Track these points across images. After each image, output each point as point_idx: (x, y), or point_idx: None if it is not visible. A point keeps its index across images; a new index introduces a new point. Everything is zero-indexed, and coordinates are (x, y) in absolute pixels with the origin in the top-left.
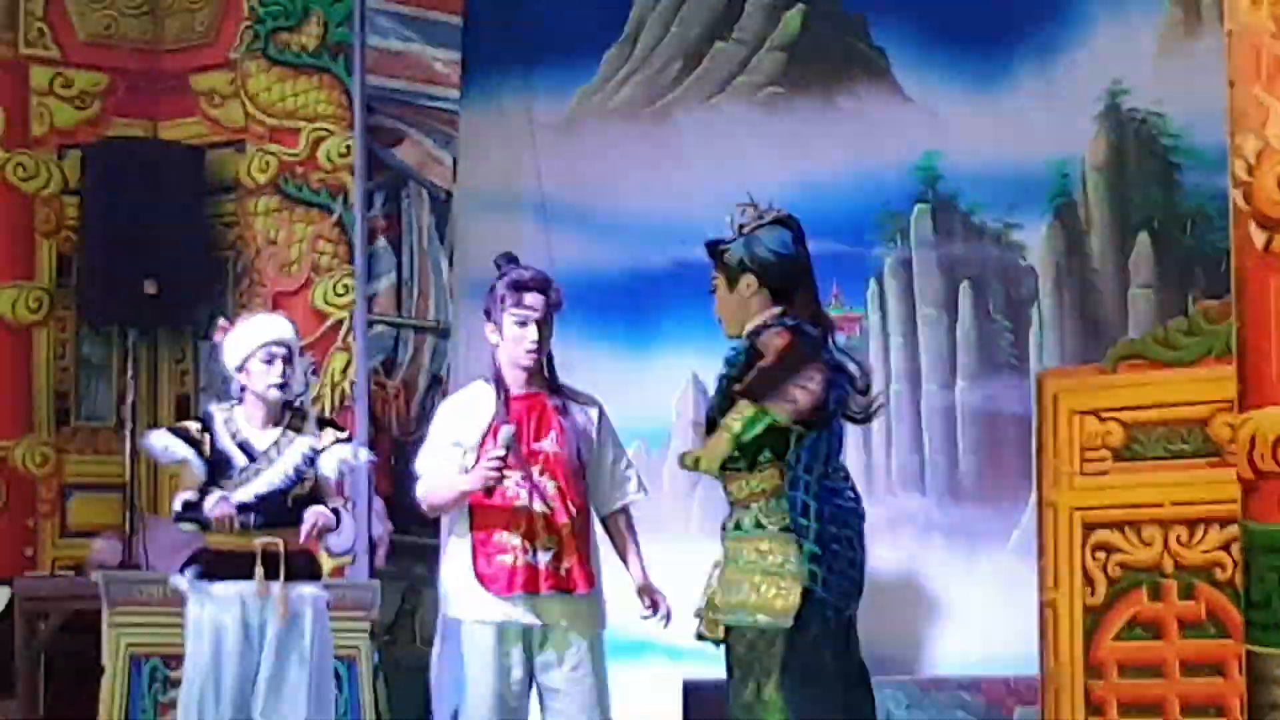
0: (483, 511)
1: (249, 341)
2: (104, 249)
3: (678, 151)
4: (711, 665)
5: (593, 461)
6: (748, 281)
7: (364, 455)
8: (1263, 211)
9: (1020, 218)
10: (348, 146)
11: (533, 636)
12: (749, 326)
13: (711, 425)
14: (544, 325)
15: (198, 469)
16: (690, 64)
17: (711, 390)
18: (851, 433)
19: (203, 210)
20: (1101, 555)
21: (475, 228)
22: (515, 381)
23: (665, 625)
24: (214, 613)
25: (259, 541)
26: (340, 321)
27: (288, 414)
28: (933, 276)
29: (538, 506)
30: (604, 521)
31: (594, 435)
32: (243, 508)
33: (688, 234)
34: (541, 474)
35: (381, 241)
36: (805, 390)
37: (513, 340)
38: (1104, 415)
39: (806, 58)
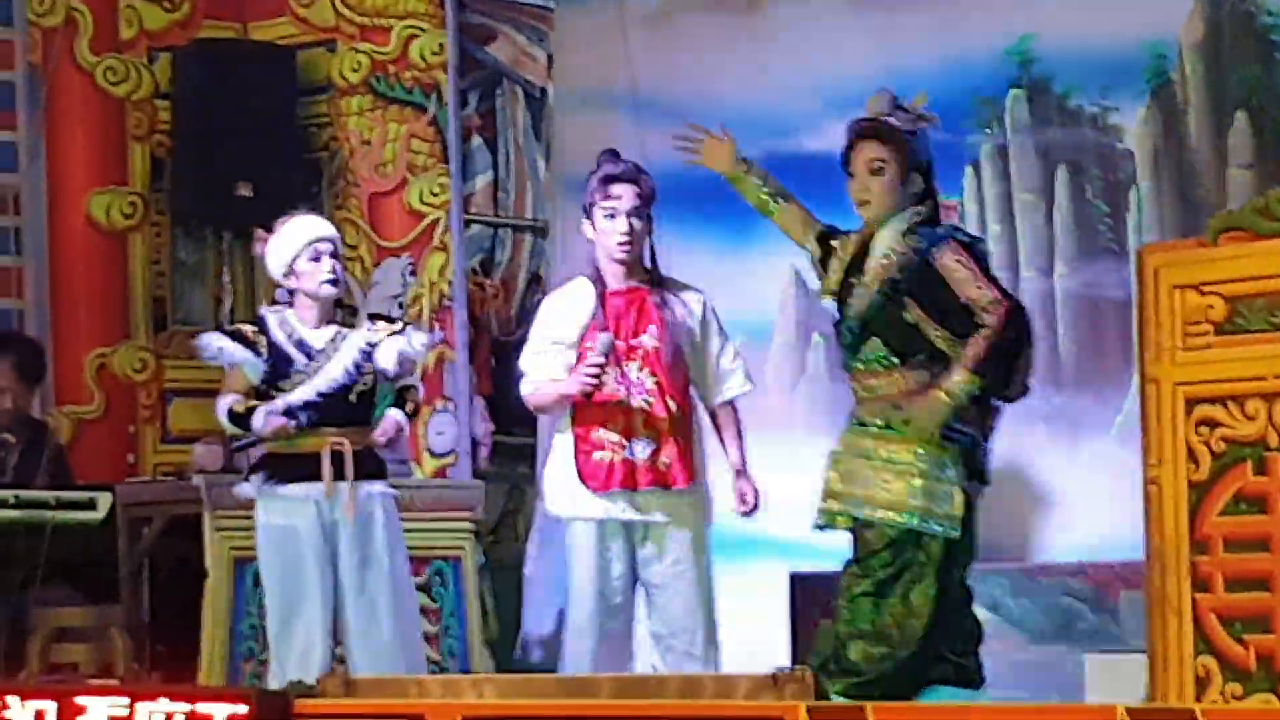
0: (583, 408)
1: (293, 243)
2: (197, 152)
3: (769, 42)
4: (819, 560)
5: (696, 354)
6: (917, 179)
7: (419, 341)
8: None
9: (1116, 100)
10: (440, 44)
11: (634, 532)
12: (900, 223)
13: (865, 325)
14: (637, 217)
15: (256, 370)
16: None
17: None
18: None
19: (295, 111)
20: (1205, 430)
21: (571, 124)
22: (613, 276)
23: (748, 515)
24: (286, 517)
25: (326, 441)
26: (436, 221)
27: (339, 312)
28: (1029, 162)
29: (636, 402)
30: (711, 414)
31: (696, 328)
32: (300, 407)
33: (782, 125)
34: (641, 369)
35: (477, 140)
36: (1028, 375)
37: (604, 233)
38: (1205, 289)
39: None
